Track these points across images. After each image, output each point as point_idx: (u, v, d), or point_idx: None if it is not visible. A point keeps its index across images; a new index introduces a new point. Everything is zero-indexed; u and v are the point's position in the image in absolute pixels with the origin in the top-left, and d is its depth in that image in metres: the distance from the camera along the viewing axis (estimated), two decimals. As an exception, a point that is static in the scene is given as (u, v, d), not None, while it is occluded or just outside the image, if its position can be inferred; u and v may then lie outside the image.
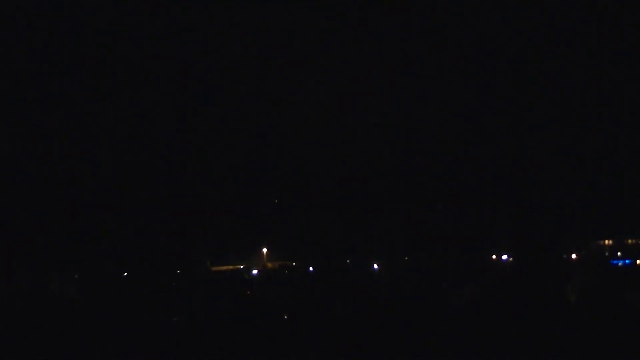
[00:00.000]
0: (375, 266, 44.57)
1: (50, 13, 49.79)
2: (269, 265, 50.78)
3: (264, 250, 53.26)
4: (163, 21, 52.55)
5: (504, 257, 42.81)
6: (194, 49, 54.40)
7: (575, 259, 42.95)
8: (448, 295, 23.33)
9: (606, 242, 51.86)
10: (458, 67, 56.06)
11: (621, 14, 52.04)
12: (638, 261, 41.78)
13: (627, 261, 42.23)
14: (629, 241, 51.43)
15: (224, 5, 54.25)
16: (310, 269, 45.47)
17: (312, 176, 56.88)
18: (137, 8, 51.84)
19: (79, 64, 51.33)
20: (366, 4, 56.28)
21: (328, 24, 54.30)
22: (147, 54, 52.84)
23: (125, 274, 43.05)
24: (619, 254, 46.91)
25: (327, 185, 56.60)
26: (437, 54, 54.35)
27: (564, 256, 43.16)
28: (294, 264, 50.52)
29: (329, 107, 57.11)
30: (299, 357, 17.19)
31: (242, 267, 50.67)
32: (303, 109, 57.39)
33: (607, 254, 47.77)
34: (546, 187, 54.02)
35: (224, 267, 50.43)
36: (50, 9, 49.83)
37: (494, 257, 44.37)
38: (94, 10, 50.38)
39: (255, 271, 47.37)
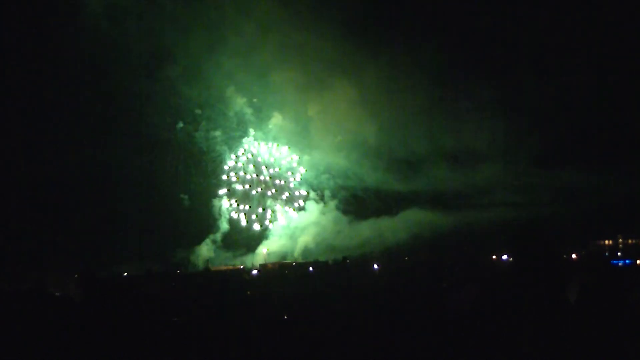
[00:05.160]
0: (375, 266, 44.61)
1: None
2: (269, 265, 50.87)
3: (264, 250, 53.37)
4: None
5: (504, 257, 42.77)
6: (194, 47, 54.45)
7: (576, 259, 42.96)
8: (448, 295, 23.31)
9: (606, 242, 51.93)
10: (457, 65, 56.13)
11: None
12: (638, 261, 41.80)
13: (627, 261, 42.25)
14: (629, 241, 51.50)
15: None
16: (311, 269, 45.50)
17: (311, 176, 56.95)
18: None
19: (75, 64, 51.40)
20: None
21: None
22: (145, 54, 52.91)
23: (125, 274, 43.08)
24: (619, 254, 46.94)
25: (327, 185, 56.70)
26: (437, 52, 54.36)
27: (564, 256, 43.17)
28: (293, 264, 50.60)
29: (329, 108, 57.17)
30: (299, 357, 17.18)
31: (242, 267, 50.75)
32: (304, 111, 57.47)
33: (607, 254, 47.80)
34: (547, 187, 54.10)
35: (224, 267, 50.53)
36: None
37: (494, 257, 44.39)
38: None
39: (255, 271, 47.43)
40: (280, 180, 55.66)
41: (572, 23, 53.26)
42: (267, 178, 55.02)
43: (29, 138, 49.44)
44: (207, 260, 51.37)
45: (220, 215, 53.52)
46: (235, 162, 55.04)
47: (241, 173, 55.08)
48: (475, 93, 55.35)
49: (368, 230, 53.97)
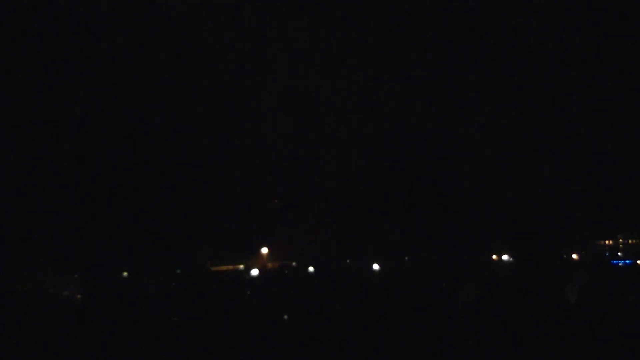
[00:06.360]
0: (376, 266, 44.60)
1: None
2: (269, 265, 50.80)
3: (264, 250, 53.28)
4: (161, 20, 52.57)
5: (505, 257, 42.83)
6: (192, 46, 54.43)
7: (576, 259, 43.06)
8: (448, 295, 23.32)
9: (606, 242, 51.95)
10: (457, 67, 56.13)
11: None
12: (638, 261, 41.86)
13: (627, 261, 42.34)
14: (630, 241, 51.51)
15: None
16: (311, 269, 45.49)
17: (312, 176, 56.90)
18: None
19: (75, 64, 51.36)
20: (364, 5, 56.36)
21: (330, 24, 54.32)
22: (144, 52, 52.87)
23: (125, 273, 43.05)
24: (619, 254, 47.01)
25: (327, 185, 56.63)
26: (437, 53, 54.38)
27: (564, 256, 43.27)
28: (294, 264, 50.55)
29: (329, 107, 57.15)
30: (299, 357, 17.17)
31: (242, 267, 50.70)
32: (304, 109, 57.42)
33: (607, 254, 47.87)
34: (546, 187, 54.08)
35: (224, 267, 50.45)
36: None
37: (494, 257, 44.45)
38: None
39: (255, 271, 47.38)
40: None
41: (570, 23, 53.30)
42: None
43: (29, 137, 49.47)
44: (207, 260, 51.28)
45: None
46: None
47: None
48: (475, 90, 55.43)
49: (368, 230, 53.93)
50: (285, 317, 23.09)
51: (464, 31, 56.19)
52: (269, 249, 53.51)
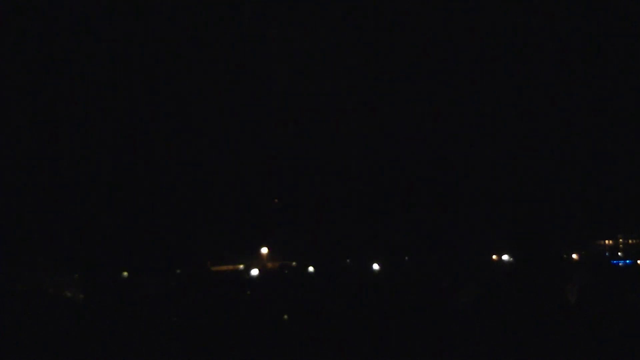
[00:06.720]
0: (376, 266, 44.62)
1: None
2: (269, 265, 50.80)
3: (264, 250, 53.27)
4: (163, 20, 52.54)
5: (505, 257, 42.83)
6: (192, 46, 54.42)
7: (576, 259, 43.05)
8: (448, 295, 23.33)
9: (606, 242, 51.92)
10: (456, 66, 56.09)
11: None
12: (638, 261, 41.84)
13: (627, 261, 42.33)
14: (630, 241, 51.49)
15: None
16: (311, 269, 45.51)
17: (312, 176, 56.88)
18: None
19: (77, 64, 51.34)
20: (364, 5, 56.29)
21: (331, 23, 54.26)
22: (145, 53, 52.85)
23: (125, 273, 43.07)
24: (619, 254, 47.01)
25: (327, 185, 56.60)
26: (437, 53, 54.35)
27: (564, 256, 43.29)
28: (294, 264, 50.56)
29: (329, 107, 57.13)
30: (299, 357, 17.18)
31: (242, 267, 50.71)
32: (304, 109, 57.41)
33: (607, 254, 47.87)
34: (546, 187, 54.07)
35: (224, 267, 50.45)
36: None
37: (494, 257, 44.45)
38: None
39: (255, 271, 47.39)
40: None
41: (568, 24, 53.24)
42: None
43: (29, 137, 49.44)
44: (208, 260, 51.26)
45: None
46: None
47: None
48: (475, 90, 55.37)
49: (368, 230, 53.92)
50: (285, 317, 23.10)
51: (464, 31, 56.11)
52: (269, 249, 53.50)
